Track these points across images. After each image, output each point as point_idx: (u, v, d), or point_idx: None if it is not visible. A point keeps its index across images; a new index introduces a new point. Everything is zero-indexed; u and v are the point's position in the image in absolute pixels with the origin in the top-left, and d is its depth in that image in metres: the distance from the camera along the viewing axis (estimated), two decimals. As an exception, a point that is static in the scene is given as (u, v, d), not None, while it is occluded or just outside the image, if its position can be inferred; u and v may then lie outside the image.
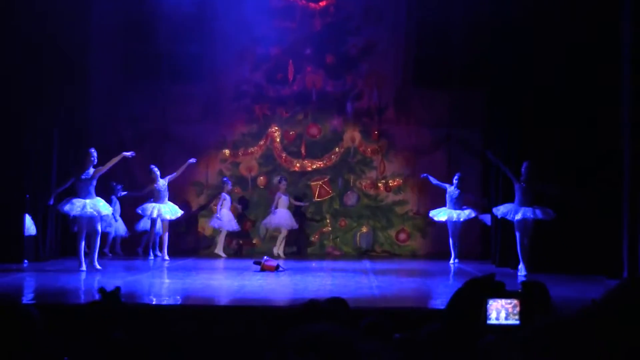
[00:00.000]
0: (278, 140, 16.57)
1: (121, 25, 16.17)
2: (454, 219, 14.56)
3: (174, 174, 14.64)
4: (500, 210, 12.70)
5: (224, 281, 11.40)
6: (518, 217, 12.27)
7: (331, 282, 11.23)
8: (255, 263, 12.56)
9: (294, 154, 16.59)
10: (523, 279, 11.47)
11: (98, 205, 12.23)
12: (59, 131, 14.02)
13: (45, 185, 13.65)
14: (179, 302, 9.15)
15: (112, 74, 16.07)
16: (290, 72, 16.42)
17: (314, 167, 16.57)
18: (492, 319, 2.66)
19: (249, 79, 16.52)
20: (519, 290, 2.84)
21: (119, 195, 15.22)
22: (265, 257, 12.77)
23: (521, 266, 12.27)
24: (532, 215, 12.21)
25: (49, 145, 13.81)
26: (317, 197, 16.40)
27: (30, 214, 13.21)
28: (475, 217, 14.75)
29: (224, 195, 15.58)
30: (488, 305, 2.65)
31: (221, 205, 15.49)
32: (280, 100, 16.55)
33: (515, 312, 2.72)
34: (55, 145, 13.92)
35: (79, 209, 12.10)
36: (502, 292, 2.68)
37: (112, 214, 14.37)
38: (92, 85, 15.60)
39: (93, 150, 12.32)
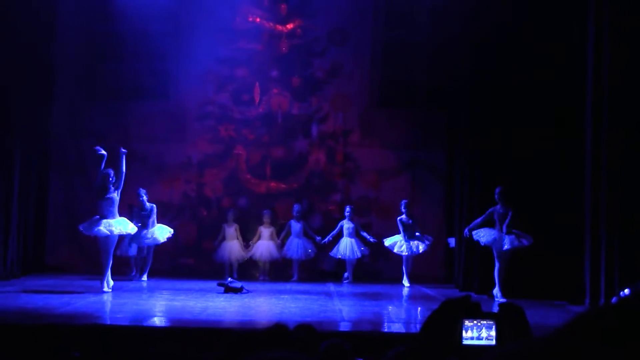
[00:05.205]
0: (243, 161, 16.48)
1: (85, 42, 16.11)
2: (412, 250, 14.47)
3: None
4: (483, 237, 12.36)
5: (186, 302, 11.29)
6: (507, 246, 12.08)
7: (295, 304, 11.16)
8: (219, 285, 12.49)
9: (259, 175, 16.51)
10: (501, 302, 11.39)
11: (115, 225, 12.02)
12: (20, 148, 13.86)
13: (6, 203, 13.47)
14: (139, 323, 9.04)
15: (76, 91, 15.97)
16: (257, 93, 16.38)
17: (279, 189, 16.50)
18: (468, 340, 2.65)
19: (213, 99, 16.44)
20: (496, 312, 2.84)
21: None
22: (229, 279, 12.70)
23: (496, 290, 12.23)
24: (517, 244, 12.08)
25: (10, 163, 13.63)
26: (283, 219, 16.26)
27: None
28: (430, 244, 14.67)
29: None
30: (464, 326, 2.65)
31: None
32: (246, 121, 16.47)
33: (490, 333, 2.71)
34: (17, 163, 13.75)
35: (94, 227, 11.93)
36: (478, 313, 2.68)
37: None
38: (55, 102, 15.52)
39: (111, 171, 12.15)
